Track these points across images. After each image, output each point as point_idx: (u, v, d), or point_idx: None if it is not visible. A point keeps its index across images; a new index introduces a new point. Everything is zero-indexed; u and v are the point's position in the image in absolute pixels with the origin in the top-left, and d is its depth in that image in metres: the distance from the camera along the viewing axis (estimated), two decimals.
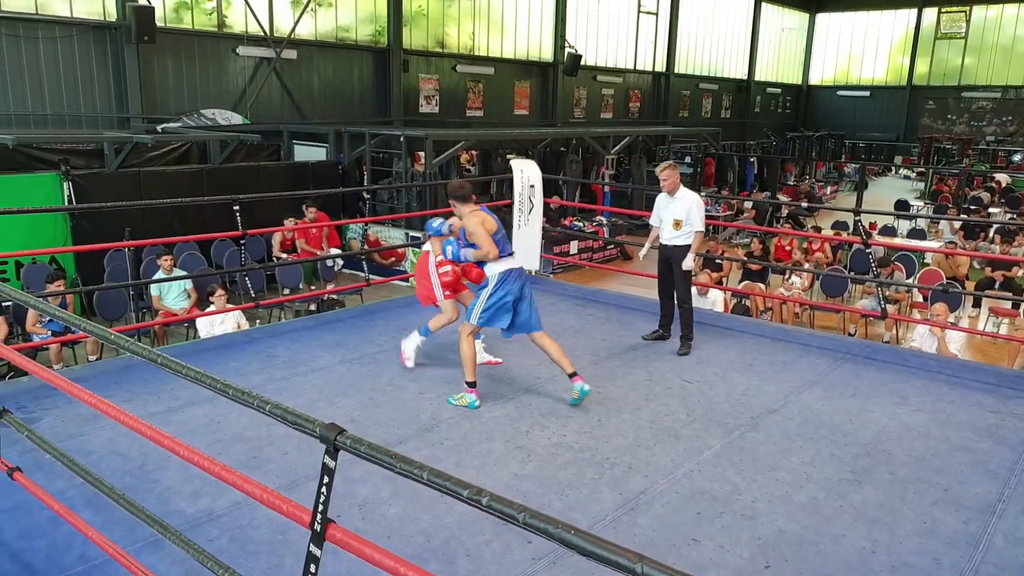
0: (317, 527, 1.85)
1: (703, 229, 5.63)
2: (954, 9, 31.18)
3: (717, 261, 10.02)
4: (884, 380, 5.21)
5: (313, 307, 9.12)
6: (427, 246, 5.16)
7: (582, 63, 21.85)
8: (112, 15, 12.88)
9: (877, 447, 4.15)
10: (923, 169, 26.28)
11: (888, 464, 3.96)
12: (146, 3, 12.65)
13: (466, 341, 4.63)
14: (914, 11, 31.90)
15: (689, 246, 5.61)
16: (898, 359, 5.70)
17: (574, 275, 11.93)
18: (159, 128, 12.33)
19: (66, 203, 9.13)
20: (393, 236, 11.85)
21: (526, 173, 7.45)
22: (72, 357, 7.60)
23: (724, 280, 10.29)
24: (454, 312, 5.11)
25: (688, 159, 21.15)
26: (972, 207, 17.86)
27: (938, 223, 16.21)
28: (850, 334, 8.95)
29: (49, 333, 7.33)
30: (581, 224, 14.53)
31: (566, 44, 21.64)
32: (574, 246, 13.29)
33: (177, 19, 14.03)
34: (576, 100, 22.97)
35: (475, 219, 4.57)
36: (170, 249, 8.59)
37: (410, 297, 6.60)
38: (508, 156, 16.55)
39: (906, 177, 29.46)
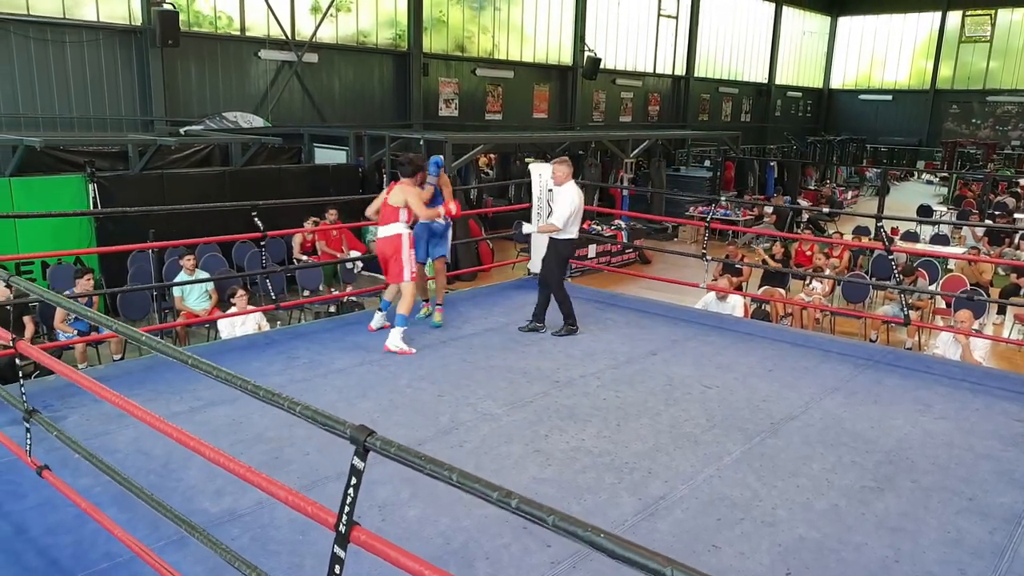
0: (342, 528, 1.86)
1: (556, 224, 5.93)
2: (979, 12, 30.79)
3: (737, 266, 9.96)
4: (907, 387, 5.15)
5: (333, 309, 9.17)
6: (397, 228, 5.70)
7: (601, 66, 21.82)
8: (137, 19, 13.05)
9: (900, 455, 4.11)
10: (946, 174, 25.96)
11: (911, 472, 3.92)
12: (170, 7, 12.80)
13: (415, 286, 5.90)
14: (938, 14, 31.54)
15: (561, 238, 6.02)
16: (921, 366, 5.64)
17: (592, 279, 11.90)
18: (182, 131, 12.46)
19: (91, 205, 9.27)
20: None
21: (544, 177, 7.46)
22: (96, 356, 7.71)
23: (744, 285, 10.23)
24: (414, 288, 5.82)
25: (708, 163, 21.06)
26: (997, 212, 17.60)
27: (961, 228, 16.00)
28: (871, 340, 8.87)
29: (75, 332, 7.43)
30: (599, 228, 14.51)
31: (585, 48, 21.62)
32: (592, 250, 13.27)
33: (199, 23, 14.19)
34: (595, 104, 22.93)
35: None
36: (192, 250, 8.69)
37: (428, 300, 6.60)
38: (527, 159, 16.58)
39: (929, 182, 29.13)
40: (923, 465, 4.00)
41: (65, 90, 12.40)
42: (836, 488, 3.72)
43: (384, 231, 5.73)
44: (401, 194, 5.65)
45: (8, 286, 3.05)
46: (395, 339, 5.51)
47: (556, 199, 6.02)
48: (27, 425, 3.30)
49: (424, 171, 5.90)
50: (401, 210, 5.67)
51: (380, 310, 6.06)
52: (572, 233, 6.01)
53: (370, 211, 5.99)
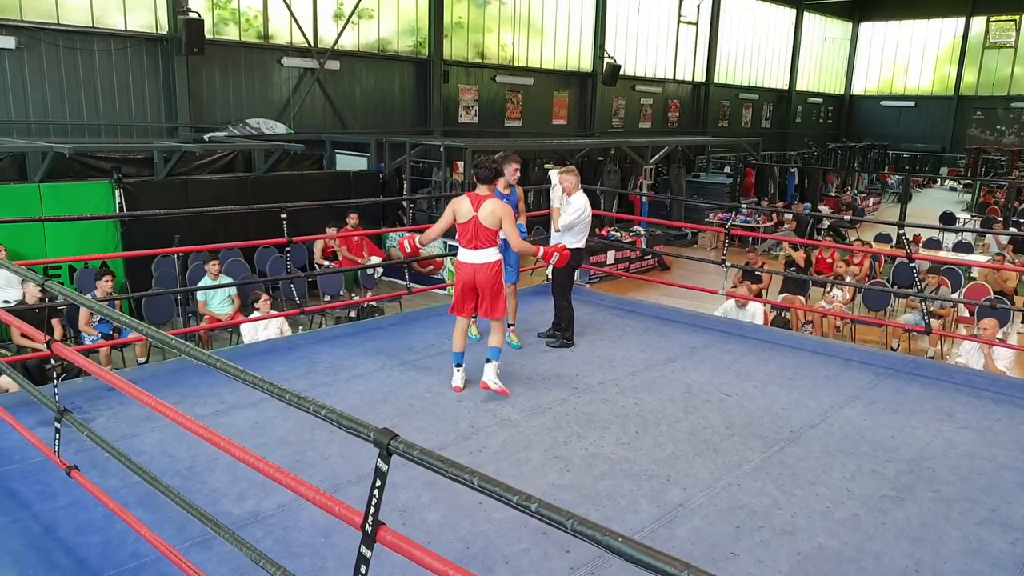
0: (368, 528, 1.91)
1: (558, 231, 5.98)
2: (1004, 18, 30.42)
3: (757, 273, 9.93)
4: (928, 396, 5.12)
5: (353, 314, 9.26)
6: (495, 254, 4.81)
7: (621, 73, 21.83)
8: (163, 28, 13.27)
9: (920, 464, 4.09)
10: (970, 181, 25.66)
11: (932, 482, 3.89)
12: (196, 16, 13.00)
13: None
14: (962, 20, 31.21)
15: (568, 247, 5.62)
16: (943, 375, 5.59)
17: (611, 285, 11.91)
18: (206, 137, 12.64)
19: (117, 210, 9.44)
20: (432, 245, 11.97)
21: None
22: (121, 360, 7.83)
23: (764, 292, 10.19)
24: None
25: (727, 169, 20.98)
26: (1021, 220, 17.38)
27: (985, 236, 15.81)
28: (893, 349, 8.80)
29: (99, 335, 7.57)
30: (618, 234, 14.50)
31: (605, 54, 21.64)
32: (611, 256, 13.28)
33: (235, 20, 14.39)
34: (614, 110, 22.92)
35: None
36: (216, 255, 8.81)
37: (447, 306, 6.63)
38: (546, 166, 16.61)
39: (952, 189, 28.80)
40: (944, 475, 3.97)
41: (93, 97, 12.63)
42: (856, 497, 3.71)
43: (476, 256, 4.70)
44: (494, 215, 4.64)
45: (42, 289, 3.13)
46: (492, 375, 4.77)
47: (567, 208, 6.03)
48: (57, 425, 3.37)
49: (502, 175, 5.19)
50: (498, 233, 4.73)
51: (458, 367, 4.95)
52: (579, 242, 6.02)
53: (434, 234, 5.01)
